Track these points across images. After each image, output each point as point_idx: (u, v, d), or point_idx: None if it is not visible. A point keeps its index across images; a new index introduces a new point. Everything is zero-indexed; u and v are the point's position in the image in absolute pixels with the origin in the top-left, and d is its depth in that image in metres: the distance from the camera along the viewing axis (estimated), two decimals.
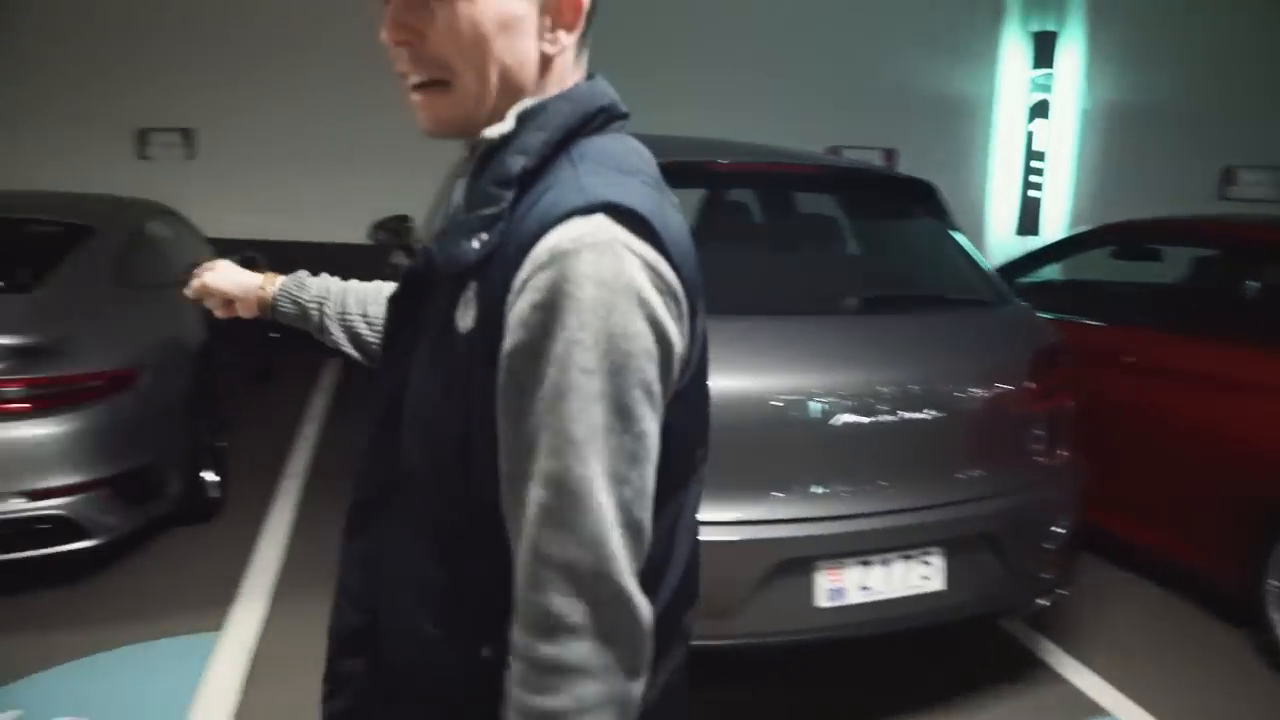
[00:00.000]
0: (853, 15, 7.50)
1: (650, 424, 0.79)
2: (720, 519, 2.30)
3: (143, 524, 3.35)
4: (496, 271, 0.81)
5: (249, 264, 4.00)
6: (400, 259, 4.41)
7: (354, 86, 6.24)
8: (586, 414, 0.75)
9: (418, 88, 0.89)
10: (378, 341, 1.20)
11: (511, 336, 0.78)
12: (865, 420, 2.44)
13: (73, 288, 3.53)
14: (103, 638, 2.95)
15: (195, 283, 1.35)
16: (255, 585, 3.35)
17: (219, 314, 1.37)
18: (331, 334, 1.28)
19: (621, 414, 0.76)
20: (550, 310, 0.76)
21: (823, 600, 2.41)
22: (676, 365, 0.82)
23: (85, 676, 2.78)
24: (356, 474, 1.01)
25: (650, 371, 0.78)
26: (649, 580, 0.82)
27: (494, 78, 0.87)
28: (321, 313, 1.28)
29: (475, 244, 0.83)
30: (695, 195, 3.22)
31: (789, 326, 2.62)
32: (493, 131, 0.88)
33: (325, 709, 1.05)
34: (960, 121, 7.95)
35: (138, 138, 7.09)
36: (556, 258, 0.76)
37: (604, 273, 0.76)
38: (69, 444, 3.02)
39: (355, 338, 1.28)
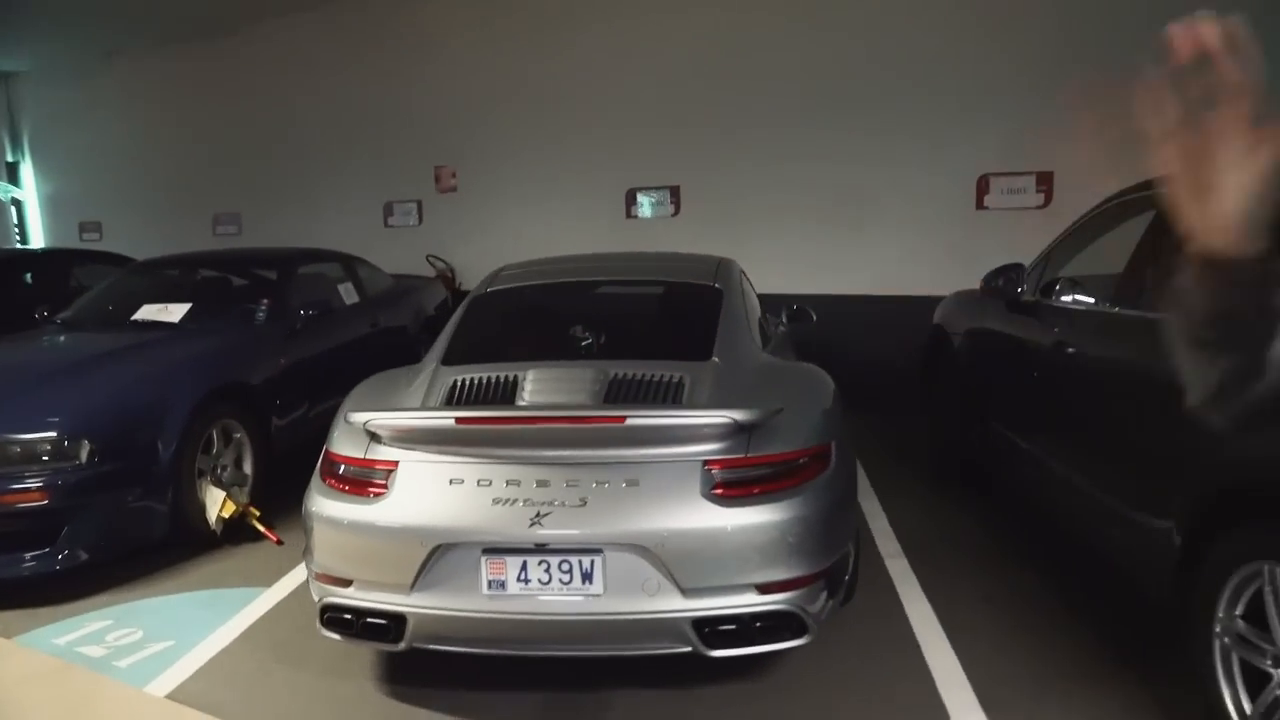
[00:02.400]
0: None
1: None
2: None
3: (833, 616, 2.95)
4: None
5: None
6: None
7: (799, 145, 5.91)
8: None
9: None
10: None
11: None
12: None
13: (739, 353, 3.28)
14: None
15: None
16: (957, 701, 2.85)
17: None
18: None
19: None
20: None
21: None
22: None
23: None
24: None
25: None
26: None
27: None
28: None
29: None
30: None
31: None
32: None
33: None
34: None
35: (628, 197, 7.27)
36: None
37: None
38: (794, 530, 2.66)
39: None
